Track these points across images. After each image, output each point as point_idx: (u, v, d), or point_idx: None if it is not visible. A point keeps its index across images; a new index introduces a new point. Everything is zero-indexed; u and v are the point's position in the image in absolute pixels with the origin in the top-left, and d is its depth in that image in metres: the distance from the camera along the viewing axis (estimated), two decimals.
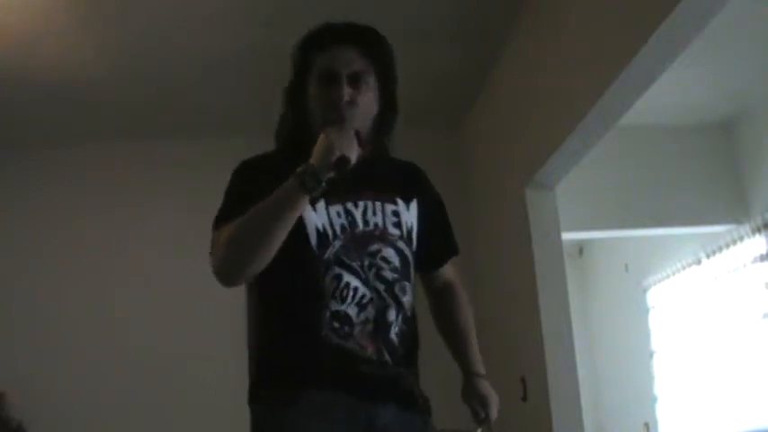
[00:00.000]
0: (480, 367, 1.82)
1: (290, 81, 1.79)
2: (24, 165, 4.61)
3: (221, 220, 1.67)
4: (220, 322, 4.38)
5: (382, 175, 1.75)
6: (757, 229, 4.63)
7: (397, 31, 3.63)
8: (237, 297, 4.90)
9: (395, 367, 1.64)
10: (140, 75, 4.02)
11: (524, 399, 3.72)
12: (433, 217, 1.82)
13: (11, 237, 4.53)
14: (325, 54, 1.73)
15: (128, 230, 4.57)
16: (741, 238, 4.76)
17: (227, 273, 1.63)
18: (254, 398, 1.66)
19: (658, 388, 5.73)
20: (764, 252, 4.59)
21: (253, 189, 1.62)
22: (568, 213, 3.89)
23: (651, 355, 5.81)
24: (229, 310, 4.44)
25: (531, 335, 3.62)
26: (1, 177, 4.59)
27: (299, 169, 1.53)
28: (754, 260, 4.67)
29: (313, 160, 1.53)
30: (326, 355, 1.59)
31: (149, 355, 4.31)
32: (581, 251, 6.87)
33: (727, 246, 4.89)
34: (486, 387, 1.78)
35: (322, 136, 1.56)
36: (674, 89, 4.06)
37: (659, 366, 5.74)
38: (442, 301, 1.89)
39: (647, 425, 5.83)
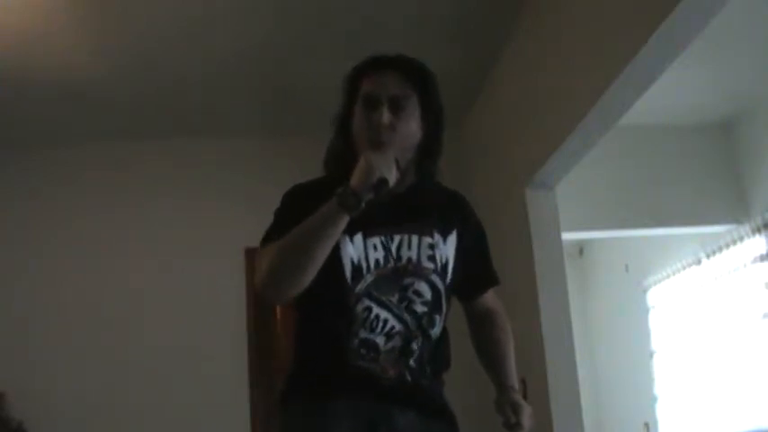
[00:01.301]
0: (515, 382, 1.87)
1: (339, 109, 1.81)
2: (24, 165, 4.61)
3: (267, 240, 1.71)
4: (220, 322, 4.40)
5: (423, 207, 1.77)
6: (757, 229, 4.63)
7: (397, 31, 3.67)
8: (237, 297, 4.90)
9: (413, 379, 1.69)
10: (140, 75, 4.02)
11: (524, 399, 3.72)
12: (473, 248, 1.84)
13: (11, 237, 4.53)
14: (369, 80, 1.75)
15: (128, 230, 4.57)
16: (741, 238, 4.76)
17: (270, 291, 1.65)
18: (283, 406, 1.72)
19: (658, 388, 5.73)
20: (764, 252, 4.59)
21: (300, 211, 1.65)
22: (568, 213, 3.88)
23: (651, 355, 5.81)
24: (229, 310, 4.46)
25: (531, 335, 3.62)
26: (1, 177, 4.60)
27: (340, 190, 1.57)
28: (754, 260, 4.67)
29: (353, 181, 1.57)
30: (351, 375, 1.65)
31: (149, 355, 4.31)
32: (581, 251, 6.87)
33: (727, 246, 4.89)
34: (519, 397, 1.81)
35: (362, 158, 1.61)
36: (674, 89, 4.06)
37: (659, 366, 5.74)
38: (481, 327, 1.92)
39: (647, 425, 5.83)
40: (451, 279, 1.75)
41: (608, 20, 2.86)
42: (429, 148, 1.78)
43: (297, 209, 1.69)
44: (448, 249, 1.75)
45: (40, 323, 4.37)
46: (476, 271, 1.86)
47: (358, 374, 1.65)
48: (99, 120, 4.44)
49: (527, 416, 1.77)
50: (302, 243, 1.60)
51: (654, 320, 5.82)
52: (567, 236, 3.92)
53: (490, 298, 1.94)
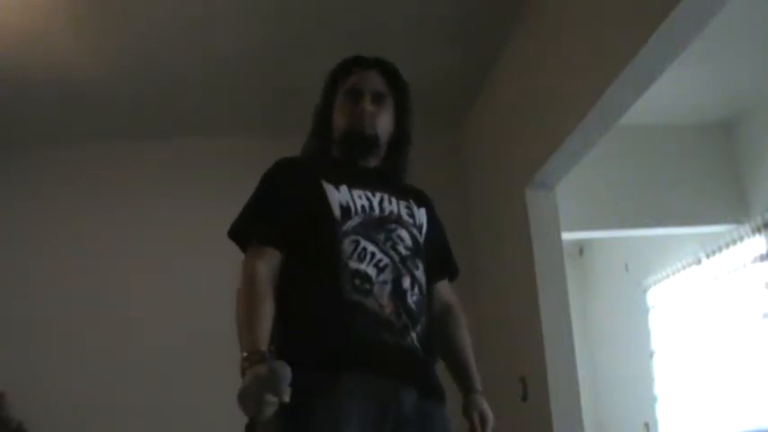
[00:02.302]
0: (479, 384, 1.90)
1: (320, 102, 1.99)
2: (24, 165, 4.61)
3: (244, 232, 1.81)
4: (221, 322, 4.37)
5: (396, 183, 1.94)
6: (757, 229, 4.63)
7: (397, 31, 3.68)
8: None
9: (420, 343, 1.71)
10: (140, 75, 4.02)
11: (524, 399, 3.73)
12: (438, 236, 1.95)
13: (11, 237, 4.53)
14: (353, 76, 1.94)
15: (128, 230, 4.57)
16: (741, 238, 4.76)
17: None
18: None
19: (658, 388, 5.73)
20: (764, 252, 4.59)
21: (278, 192, 1.82)
22: (568, 213, 3.89)
23: (651, 355, 5.81)
24: (230, 309, 4.45)
25: (531, 335, 3.62)
26: (1, 177, 4.59)
27: (244, 359, 1.58)
28: (754, 260, 4.67)
29: (241, 389, 1.53)
30: (349, 321, 1.66)
31: (150, 355, 4.31)
32: (581, 251, 6.87)
33: (727, 246, 4.88)
34: (485, 404, 1.86)
35: (245, 387, 1.53)
36: (674, 89, 4.06)
37: (659, 366, 5.74)
38: (441, 324, 1.94)
39: (647, 425, 5.83)
40: (425, 242, 1.85)
41: (608, 20, 2.86)
42: (399, 143, 1.96)
43: (273, 188, 1.83)
44: (422, 216, 1.89)
45: (40, 323, 4.37)
46: (439, 256, 1.94)
47: (356, 325, 1.65)
48: (99, 120, 4.44)
49: (491, 427, 1.83)
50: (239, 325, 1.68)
51: (654, 320, 5.82)
52: (566, 236, 3.92)
53: (448, 292, 2.00)
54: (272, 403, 1.49)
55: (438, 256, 1.93)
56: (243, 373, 1.57)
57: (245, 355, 1.59)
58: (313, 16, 3.58)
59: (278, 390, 1.49)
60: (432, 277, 1.90)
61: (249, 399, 1.51)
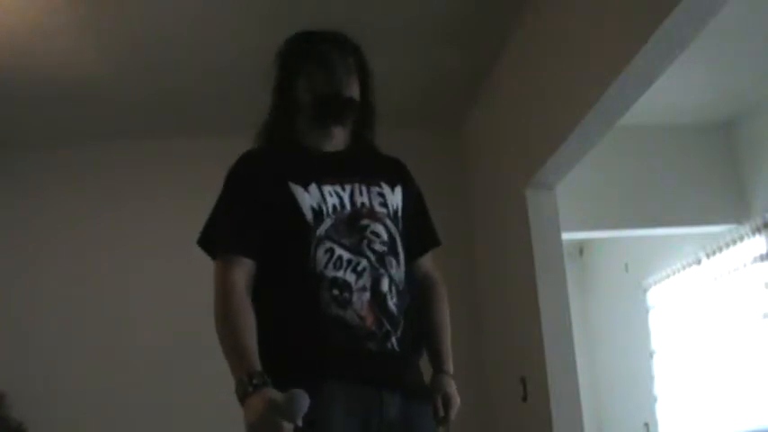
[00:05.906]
0: (451, 366, 1.87)
1: (278, 81, 1.94)
2: (24, 165, 4.61)
3: (215, 241, 1.83)
4: None
5: (367, 164, 1.87)
6: (757, 229, 4.63)
7: (397, 31, 3.68)
8: None
9: (400, 346, 1.69)
10: (141, 75, 4.02)
11: (524, 399, 3.73)
12: (415, 208, 1.91)
13: (10, 237, 4.53)
14: (317, 47, 1.88)
15: (127, 230, 4.57)
16: (741, 238, 4.76)
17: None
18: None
19: (658, 388, 5.73)
20: (764, 252, 4.59)
21: (246, 196, 1.80)
22: (568, 213, 3.89)
23: (651, 355, 5.81)
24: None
25: (531, 335, 3.62)
26: (1, 177, 4.59)
27: (246, 383, 1.58)
28: (754, 260, 4.67)
29: (247, 415, 1.55)
30: (329, 334, 1.64)
31: (150, 355, 4.31)
32: (581, 251, 6.87)
33: (727, 246, 4.89)
34: (452, 386, 1.83)
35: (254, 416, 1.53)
36: (674, 89, 4.06)
37: (659, 366, 5.74)
38: (421, 300, 1.90)
39: (647, 425, 5.83)
40: (403, 227, 1.80)
41: (608, 20, 2.86)
42: (365, 113, 1.89)
43: (240, 191, 1.81)
44: (396, 198, 1.83)
45: (40, 323, 4.37)
46: (417, 230, 1.89)
47: (338, 341, 1.63)
48: (99, 120, 4.44)
49: (455, 408, 1.80)
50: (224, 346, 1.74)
51: (654, 320, 5.82)
52: (566, 236, 3.92)
53: (428, 264, 1.96)
54: (288, 430, 1.49)
55: (418, 232, 1.89)
56: (244, 397, 1.54)
57: (244, 378, 1.57)
58: (313, 16, 3.58)
59: (294, 418, 1.48)
60: (413, 253, 1.87)
61: (266, 425, 1.50)
